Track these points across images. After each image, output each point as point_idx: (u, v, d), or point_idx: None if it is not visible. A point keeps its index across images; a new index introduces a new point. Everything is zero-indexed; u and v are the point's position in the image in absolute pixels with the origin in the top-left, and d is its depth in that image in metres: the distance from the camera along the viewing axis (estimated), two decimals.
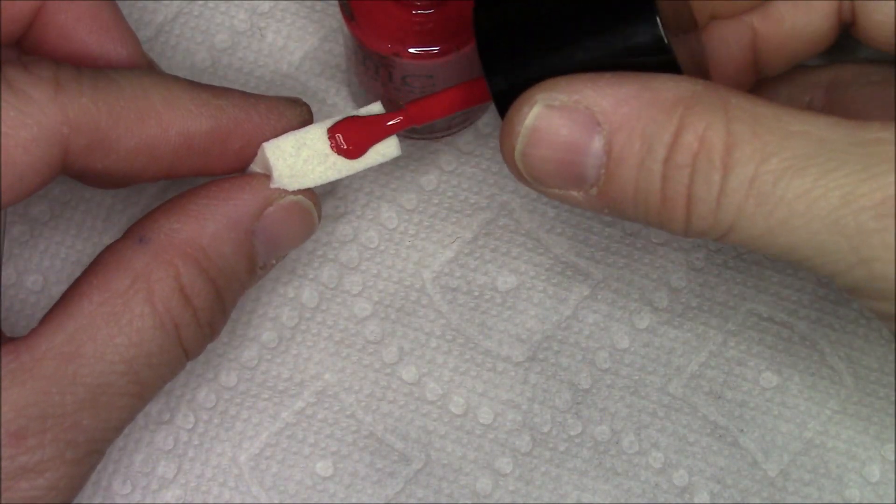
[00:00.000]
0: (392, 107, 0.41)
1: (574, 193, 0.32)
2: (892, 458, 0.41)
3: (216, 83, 0.44)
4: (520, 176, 0.33)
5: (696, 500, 0.41)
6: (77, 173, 0.34)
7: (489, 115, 0.44)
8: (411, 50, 0.38)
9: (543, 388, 0.42)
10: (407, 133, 0.43)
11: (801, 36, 0.37)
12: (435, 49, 0.38)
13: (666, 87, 0.30)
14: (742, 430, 0.41)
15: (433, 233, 0.43)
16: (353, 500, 0.41)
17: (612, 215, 0.32)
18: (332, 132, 0.36)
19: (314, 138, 0.36)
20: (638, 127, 0.30)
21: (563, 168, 0.32)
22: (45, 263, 0.42)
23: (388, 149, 0.37)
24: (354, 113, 0.36)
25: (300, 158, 0.36)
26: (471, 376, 0.42)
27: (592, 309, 0.42)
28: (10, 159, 0.32)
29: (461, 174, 0.43)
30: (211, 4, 0.45)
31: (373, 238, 0.43)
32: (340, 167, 0.36)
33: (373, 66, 0.40)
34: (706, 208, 0.30)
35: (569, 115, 0.31)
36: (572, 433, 0.41)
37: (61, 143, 0.32)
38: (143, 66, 0.38)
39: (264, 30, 0.45)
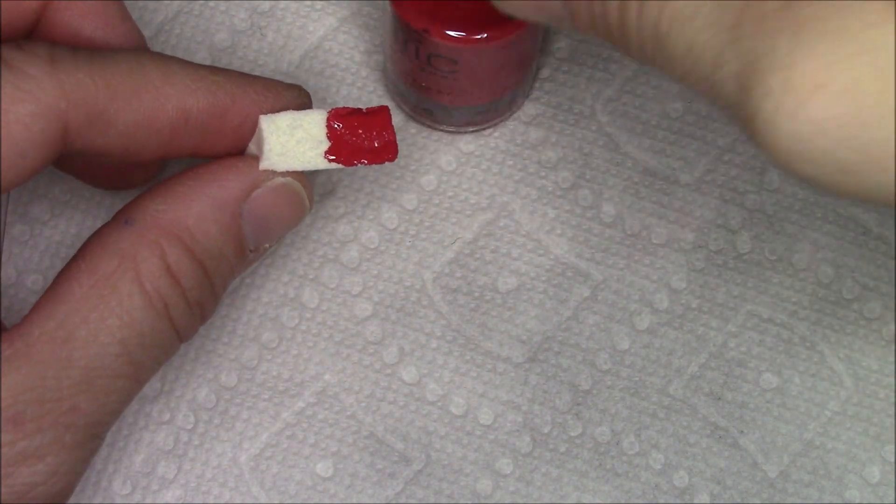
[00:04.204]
0: (416, 87, 0.41)
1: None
2: (892, 460, 0.41)
3: None
4: None
5: (696, 501, 0.41)
6: (77, 153, 0.34)
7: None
8: (442, 29, 0.38)
9: (544, 388, 0.42)
10: (431, 123, 0.43)
11: None
12: (465, 34, 0.38)
13: None
14: (742, 432, 0.41)
15: (433, 233, 0.43)
16: (354, 501, 0.41)
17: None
18: (330, 120, 0.36)
19: (311, 122, 0.35)
20: None
21: None
22: (45, 263, 0.42)
23: None
24: (353, 108, 0.36)
25: (293, 138, 0.35)
26: (471, 377, 0.42)
27: (593, 310, 0.42)
28: (10, 136, 0.32)
29: (461, 175, 0.43)
30: (211, 4, 0.45)
31: (373, 238, 0.43)
32: (328, 162, 0.36)
33: (402, 39, 0.40)
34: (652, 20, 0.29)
35: None
36: (572, 434, 0.41)
37: (60, 119, 0.32)
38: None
39: (264, 29, 0.45)
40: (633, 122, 0.44)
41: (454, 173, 0.44)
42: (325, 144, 0.35)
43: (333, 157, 0.36)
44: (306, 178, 0.37)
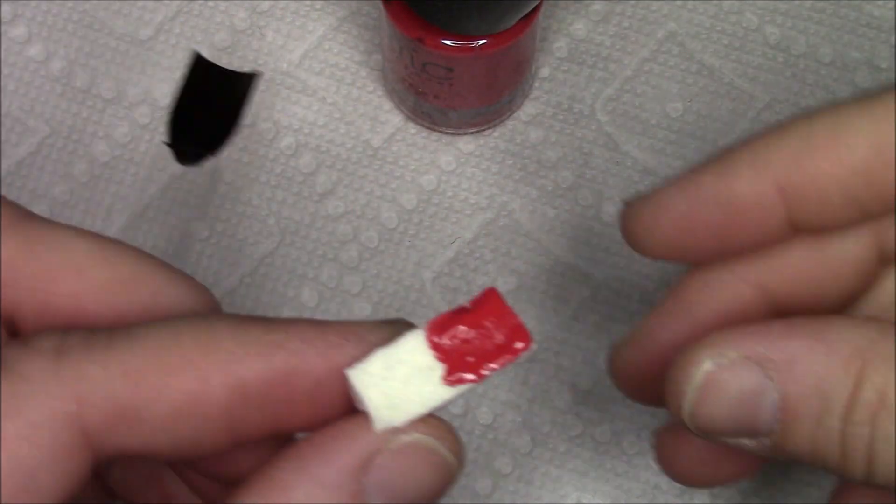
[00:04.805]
0: (413, 91, 0.41)
1: (746, 441, 0.30)
2: None
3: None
4: (688, 430, 0.31)
5: (696, 501, 0.41)
6: (117, 458, 0.28)
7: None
8: (437, 38, 0.38)
9: (544, 388, 0.42)
10: (430, 125, 0.43)
11: None
12: (460, 43, 0.38)
13: (841, 339, 0.29)
14: None
15: (433, 233, 0.43)
16: None
17: (784, 460, 0.31)
18: (431, 337, 0.27)
19: (410, 350, 0.27)
20: (813, 383, 0.29)
21: (734, 423, 0.30)
22: None
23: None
24: (453, 310, 0.28)
25: (397, 381, 0.27)
26: None
27: (593, 310, 0.42)
28: (12, 458, 0.26)
29: (461, 174, 0.43)
30: (211, 3, 0.45)
31: (373, 238, 0.43)
32: (451, 387, 0.27)
33: (397, 47, 0.40)
34: (886, 466, 0.29)
35: (740, 373, 0.30)
36: (572, 434, 0.41)
37: (72, 424, 0.26)
38: (201, 308, 0.31)
39: (264, 28, 0.45)
40: (633, 122, 0.44)
41: (454, 173, 0.44)
42: (440, 368, 0.27)
43: (456, 379, 0.27)
44: (444, 425, 0.28)
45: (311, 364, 0.27)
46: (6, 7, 0.45)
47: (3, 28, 0.45)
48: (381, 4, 0.39)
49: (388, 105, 0.44)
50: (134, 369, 0.27)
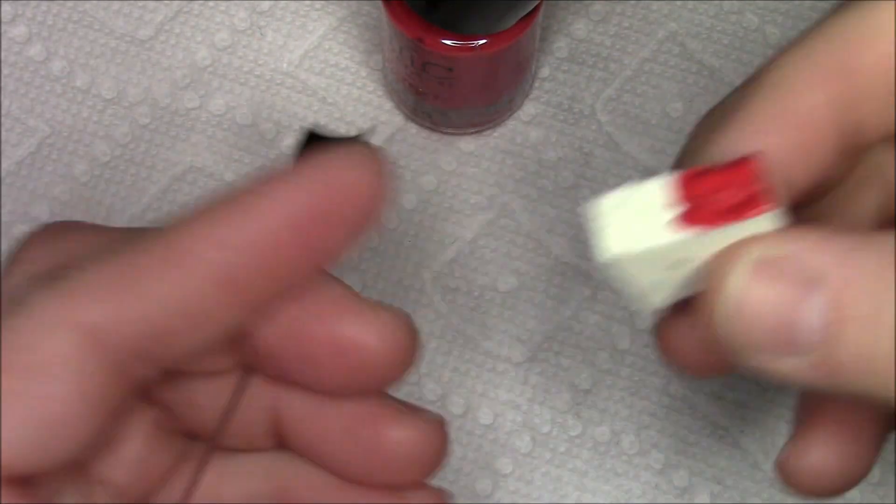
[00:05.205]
0: (413, 91, 0.41)
1: (787, 361, 0.28)
2: (892, 460, 0.41)
3: (216, 82, 0.44)
4: (722, 345, 0.28)
5: (696, 501, 0.41)
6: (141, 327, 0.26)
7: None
8: (437, 38, 0.38)
9: (543, 388, 0.42)
10: (431, 125, 0.43)
11: None
12: (460, 43, 0.38)
13: (888, 240, 0.27)
14: (742, 431, 0.41)
15: (433, 233, 0.43)
16: None
17: (826, 387, 0.28)
18: (678, 180, 0.26)
19: (652, 189, 0.27)
20: (864, 284, 0.27)
21: (775, 332, 0.27)
22: None
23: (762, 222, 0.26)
24: (708, 165, 0.27)
25: (628, 213, 0.27)
26: (471, 377, 0.42)
27: (593, 310, 0.42)
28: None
29: (461, 174, 0.43)
30: (211, 3, 0.45)
31: (373, 238, 0.43)
32: (684, 230, 0.26)
33: (398, 48, 0.40)
34: None
35: (785, 272, 0.27)
36: (572, 434, 0.41)
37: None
38: None
39: (264, 28, 0.45)
40: (633, 122, 0.44)
41: (454, 173, 0.44)
42: (673, 212, 0.27)
43: (686, 224, 0.26)
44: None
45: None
46: (6, 7, 0.45)
47: (3, 28, 0.45)
48: (381, 4, 0.39)
49: (388, 105, 0.44)
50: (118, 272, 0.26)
